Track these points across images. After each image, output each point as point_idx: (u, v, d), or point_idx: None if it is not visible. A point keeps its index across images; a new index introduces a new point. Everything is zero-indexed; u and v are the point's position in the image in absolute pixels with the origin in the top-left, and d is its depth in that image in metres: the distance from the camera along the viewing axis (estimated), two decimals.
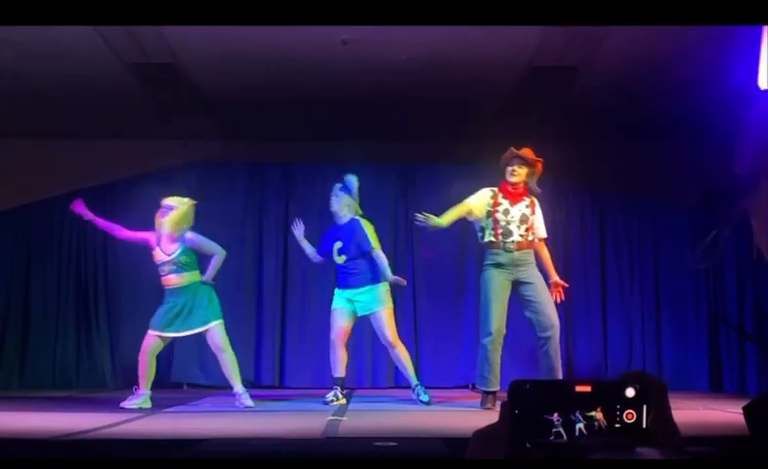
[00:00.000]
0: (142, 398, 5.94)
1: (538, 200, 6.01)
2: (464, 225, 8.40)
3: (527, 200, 5.91)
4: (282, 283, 8.36)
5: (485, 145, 8.17)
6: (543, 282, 5.89)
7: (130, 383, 8.13)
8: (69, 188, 8.41)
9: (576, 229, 8.36)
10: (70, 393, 7.40)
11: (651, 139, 8.30)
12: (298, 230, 6.61)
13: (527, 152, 5.91)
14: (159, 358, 8.28)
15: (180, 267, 6.04)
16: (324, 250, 6.46)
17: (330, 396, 6.20)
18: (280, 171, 8.47)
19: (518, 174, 5.85)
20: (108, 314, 8.37)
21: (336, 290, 6.38)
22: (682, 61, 6.57)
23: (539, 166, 5.91)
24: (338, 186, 6.38)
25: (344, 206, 6.33)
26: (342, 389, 6.32)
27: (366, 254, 6.20)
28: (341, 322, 6.31)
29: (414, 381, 6.21)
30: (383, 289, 6.21)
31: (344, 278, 6.29)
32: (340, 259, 6.26)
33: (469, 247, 8.39)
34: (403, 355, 6.22)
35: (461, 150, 8.31)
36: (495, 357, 5.78)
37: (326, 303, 8.30)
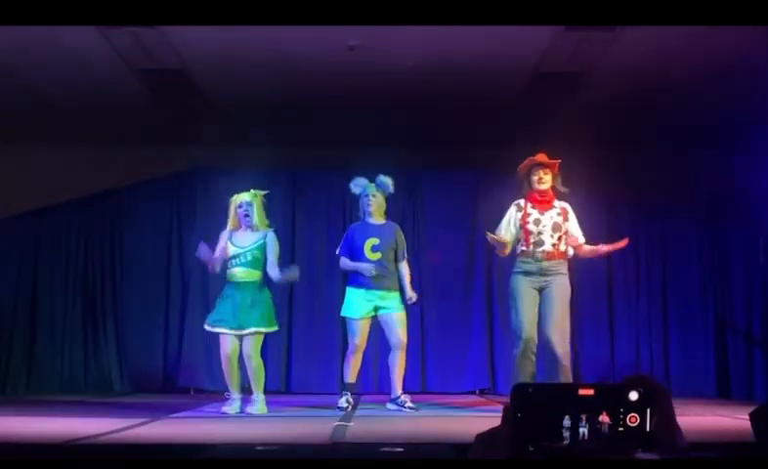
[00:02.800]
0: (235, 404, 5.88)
1: (569, 203, 5.86)
2: (472, 229, 8.44)
3: (557, 207, 5.78)
4: (289, 289, 8.36)
5: (491, 150, 8.20)
6: (566, 302, 5.68)
7: (137, 387, 8.20)
8: (76, 193, 8.47)
9: (584, 234, 8.33)
10: (78, 397, 7.42)
11: (659, 145, 8.29)
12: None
13: (543, 157, 5.82)
14: (168, 361, 8.36)
15: (252, 262, 5.91)
16: (352, 247, 6.27)
17: (344, 401, 6.17)
18: (287, 177, 8.48)
19: (545, 181, 5.75)
20: (116, 318, 8.41)
21: (359, 291, 6.19)
22: (691, 67, 6.57)
23: (557, 167, 5.80)
24: (373, 186, 6.30)
25: (380, 206, 6.32)
26: (352, 394, 6.32)
27: (396, 261, 6.27)
28: (366, 330, 6.26)
29: (399, 392, 6.19)
30: (401, 296, 6.29)
31: (373, 279, 6.16)
32: (374, 256, 6.17)
33: (477, 251, 8.39)
34: (403, 361, 6.24)
35: (467, 156, 8.32)
36: (527, 367, 5.54)
37: (332, 308, 8.33)
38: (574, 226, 5.85)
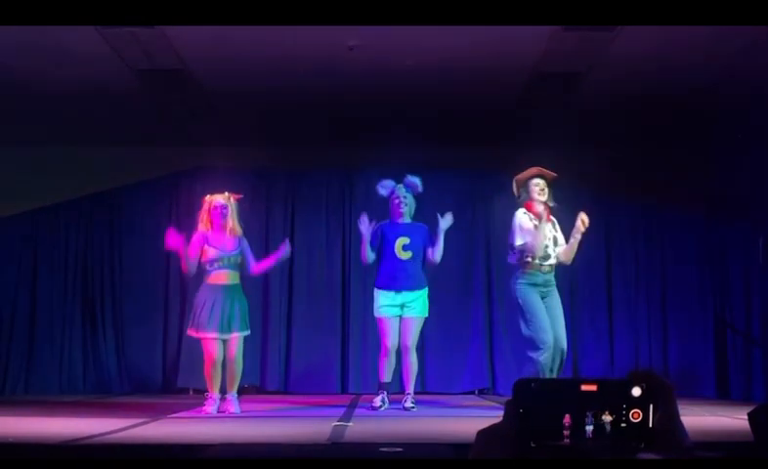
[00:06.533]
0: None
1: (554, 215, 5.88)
2: (471, 229, 8.43)
3: (553, 219, 5.82)
4: (289, 289, 8.37)
5: (491, 150, 8.21)
6: (560, 304, 5.84)
7: (136, 387, 8.19)
8: (75, 193, 8.46)
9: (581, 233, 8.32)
10: (76, 397, 7.41)
11: (657, 144, 8.29)
12: (364, 225, 6.21)
13: (540, 171, 5.82)
14: (167, 362, 8.35)
15: (234, 266, 5.96)
16: (383, 245, 6.19)
17: (379, 400, 6.12)
18: (286, 176, 8.48)
19: (545, 193, 5.78)
20: (114, 318, 8.40)
21: (387, 293, 6.16)
22: (690, 67, 6.57)
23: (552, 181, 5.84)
24: (402, 188, 6.23)
25: (411, 208, 6.27)
26: (388, 393, 6.25)
27: (425, 261, 6.21)
28: (397, 330, 6.19)
29: (411, 388, 6.23)
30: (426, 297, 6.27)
31: (401, 280, 6.13)
32: (405, 254, 6.13)
33: (476, 251, 8.38)
34: (415, 362, 6.24)
35: (467, 156, 8.31)
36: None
37: (332, 308, 8.34)
38: (562, 239, 5.89)
